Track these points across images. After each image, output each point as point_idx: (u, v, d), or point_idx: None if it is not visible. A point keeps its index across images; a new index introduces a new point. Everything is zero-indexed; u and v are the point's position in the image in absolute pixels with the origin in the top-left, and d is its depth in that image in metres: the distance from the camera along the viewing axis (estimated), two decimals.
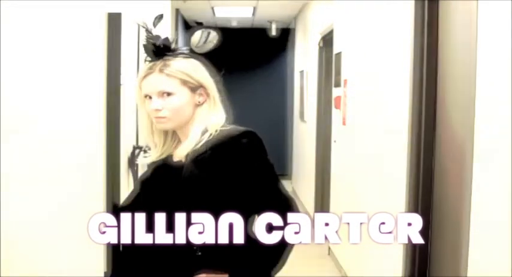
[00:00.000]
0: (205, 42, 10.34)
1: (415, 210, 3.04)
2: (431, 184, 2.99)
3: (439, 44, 2.92)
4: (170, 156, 1.86)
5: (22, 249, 2.95)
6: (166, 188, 1.78)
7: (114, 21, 3.30)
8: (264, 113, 10.32)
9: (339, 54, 5.13)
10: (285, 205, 1.74)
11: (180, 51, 1.81)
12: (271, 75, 10.40)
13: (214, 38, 10.19)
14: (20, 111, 2.95)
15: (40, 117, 2.99)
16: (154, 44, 1.78)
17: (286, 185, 9.26)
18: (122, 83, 3.28)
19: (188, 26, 9.56)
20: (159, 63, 1.76)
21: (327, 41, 6.09)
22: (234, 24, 9.68)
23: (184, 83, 1.76)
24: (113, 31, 3.29)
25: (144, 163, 1.93)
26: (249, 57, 10.30)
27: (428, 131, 3.00)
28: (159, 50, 1.78)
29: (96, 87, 3.11)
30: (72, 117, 3.06)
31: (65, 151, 3.03)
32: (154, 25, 1.86)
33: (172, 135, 1.87)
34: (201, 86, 1.79)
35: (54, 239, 3.01)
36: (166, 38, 1.80)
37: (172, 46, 1.81)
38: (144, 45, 1.80)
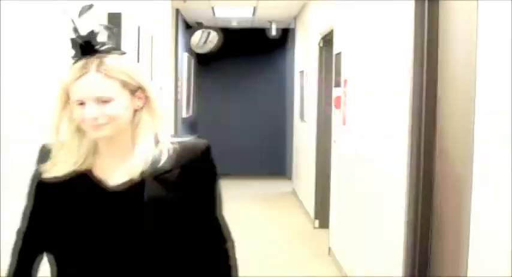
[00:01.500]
0: (205, 42, 10.37)
1: (415, 210, 3.04)
2: (432, 184, 2.99)
3: (439, 43, 2.92)
4: (99, 179, 1.50)
5: None
6: (114, 220, 1.47)
7: (114, 21, 3.30)
8: (264, 113, 10.33)
9: (339, 54, 5.13)
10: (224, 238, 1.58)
11: (113, 47, 1.52)
12: (271, 75, 10.40)
13: (214, 38, 10.22)
14: (19, 112, 2.96)
15: (40, 118, 2.99)
16: (81, 38, 1.49)
17: (286, 185, 9.29)
18: None
19: (188, 26, 9.56)
20: (94, 61, 1.46)
21: (327, 41, 6.09)
22: (234, 24, 9.68)
23: (125, 84, 1.47)
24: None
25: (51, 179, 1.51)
26: (249, 57, 10.30)
27: (428, 132, 3.00)
28: (89, 45, 1.49)
29: None
30: None
31: None
32: (81, 15, 1.58)
33: (91, 146, 1.53)
34: (139, 88, 1.50)
35: None
36: (92, 32, 1.51)
37: (100, 40, 1.51)
38: (72, 40, 1.50)
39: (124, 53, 1.53)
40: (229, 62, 10.25)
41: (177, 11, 8.15)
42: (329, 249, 5.44)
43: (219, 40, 9.28)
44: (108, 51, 1.49)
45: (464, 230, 2.35)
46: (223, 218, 1.57)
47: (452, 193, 2.72)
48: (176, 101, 8.05)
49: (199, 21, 9.40)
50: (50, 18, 2.98)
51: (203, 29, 9.55)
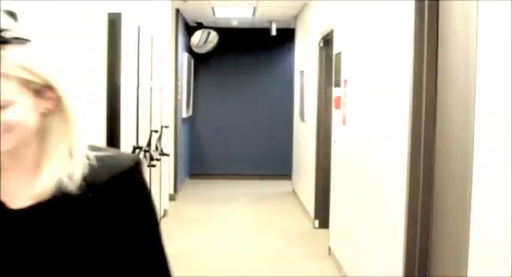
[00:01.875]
0: (205, 42, 10.36)
1: (415, 210, 3.04)
2: (432, 184, 2.99)
3: (439, 44, 2.93)
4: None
5: None
6: (15, 253, 1.15)
7: (114, 21, 3.30)
8: (264, 113, 10.33)
9: (339, 54, 5.13)
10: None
11: (14, 36, 1.15)
12: (271, 75, 10.40)
13: (214, 38, 10.20)
14: None
15: None
16: None
17: (286, 185, 9.28)
18: (121, 83, 3.28)
19: (188, 26, 9.56)
20: None
21: (327, 41, 6.09)
22: (234, 24, 9.68)
23: (25, 83, 1.13)
24: (113, 31, 3.29)
25: None
26: (249, 57, 10.30)
27: (428, 131, 3.00)
28: None
29: (96, 88, 3.11)
30: None
31: None
32: None
33: None
34: (47, 87, 1.16)
35: None
36: None
37: None
38: None
39: (27, 41, 1.16)
40: (229, 62, 10.25)
41: (177, 11, 8.16)
42: (329, 249, 5.44)
43: (218, 40, 9.29)
44: (4, 42, 1.13)
45: (464, 230, 2.35)
46: (162, 251, 1.26)
47: (452, 193, 2.72)
48: (176, 101, 8.06)
49: (199, 21, 9.40)
50: (49, 18, 2.98)
51: (203, 29, 9.56)
